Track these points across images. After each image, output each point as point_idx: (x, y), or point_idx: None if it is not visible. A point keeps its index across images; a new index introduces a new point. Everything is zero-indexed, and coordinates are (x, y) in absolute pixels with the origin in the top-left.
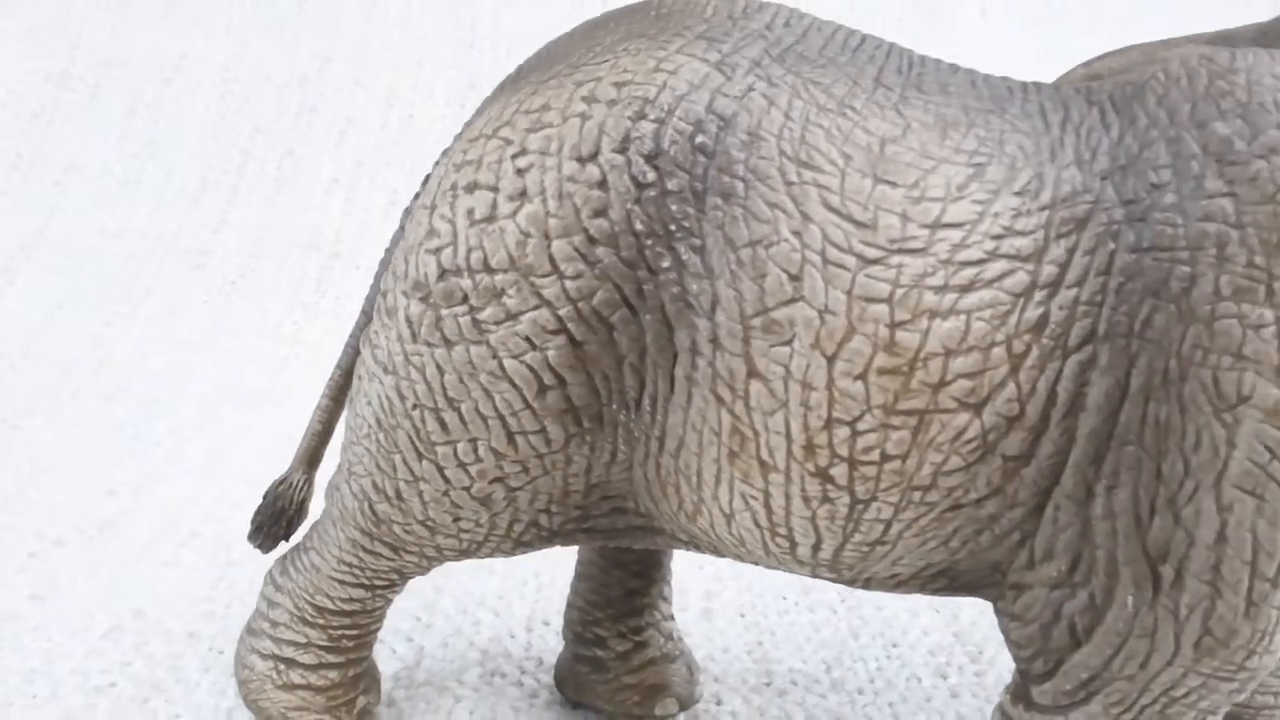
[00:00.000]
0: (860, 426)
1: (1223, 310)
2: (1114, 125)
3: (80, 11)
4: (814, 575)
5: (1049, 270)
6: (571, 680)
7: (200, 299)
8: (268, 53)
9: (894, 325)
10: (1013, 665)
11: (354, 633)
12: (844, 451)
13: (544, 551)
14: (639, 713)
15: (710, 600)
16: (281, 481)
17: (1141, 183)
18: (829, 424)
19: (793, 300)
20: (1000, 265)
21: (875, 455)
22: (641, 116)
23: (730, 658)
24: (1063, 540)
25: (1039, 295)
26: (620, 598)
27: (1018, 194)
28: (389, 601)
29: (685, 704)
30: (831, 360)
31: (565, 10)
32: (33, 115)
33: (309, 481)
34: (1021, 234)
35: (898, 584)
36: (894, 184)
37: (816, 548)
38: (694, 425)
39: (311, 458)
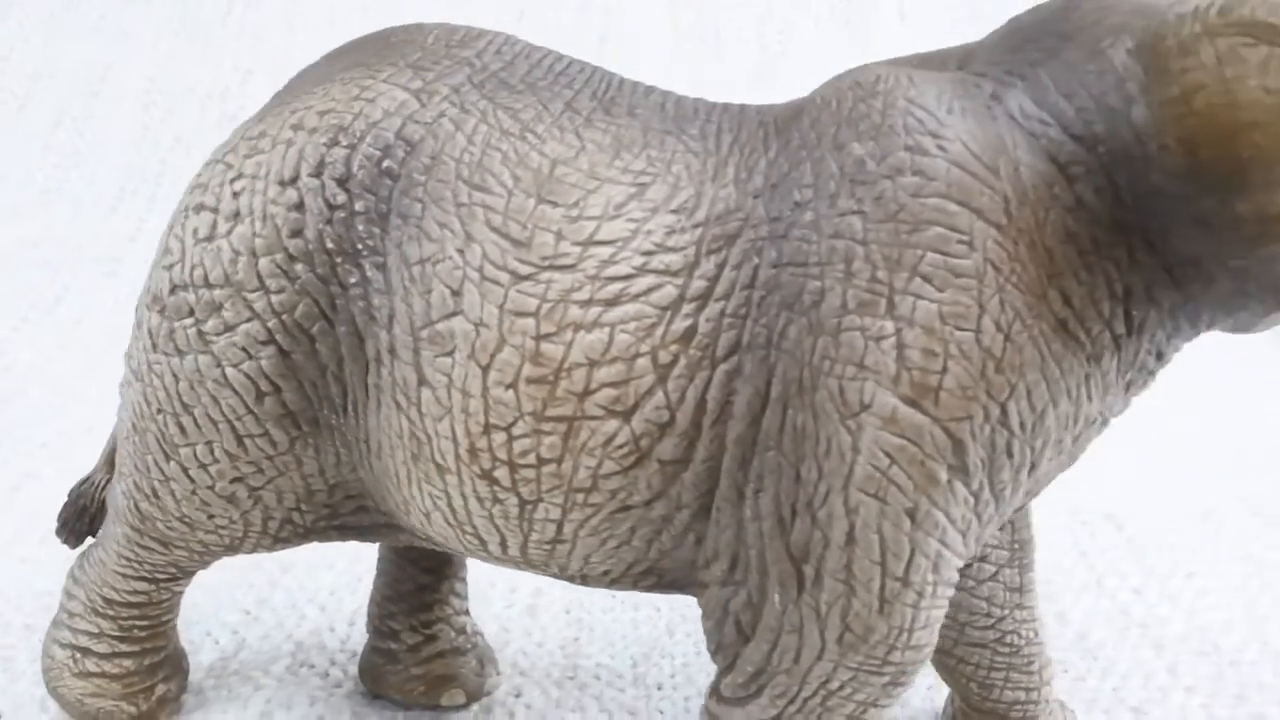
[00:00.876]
0: (515, 432)
1: (848, 323)
2: (772, 146)
3: (13, 25)
4: (525, 570)
5: (698, 284)
6: (369, 671)
7: (109, 306)
8: (192, 65)
9: (540, 338)
10: None
11: (144, 623)
12: (503, 455)
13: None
14: (425, 702)
15: (538, 597)
16: (84, 481)
17: (786, 201)
18: (487, 429)
19: (453, 314)
20: (648, 280)
21: (532, 459)
22: (335, 143)
23: (543, 652)
24: (724, 541)
25: (687, 308)
26: (412, 593)
27: (674, 212)
28: (176, 594)
29: (473, 696)
30: (485, 370)
31: (477, 23)
32: None
33: (110, 481)
34: (673, 250)
35: (612, 581)
36: (555, 204)
37: (503, 545)
38: (384, 430)
39: (113, 458)
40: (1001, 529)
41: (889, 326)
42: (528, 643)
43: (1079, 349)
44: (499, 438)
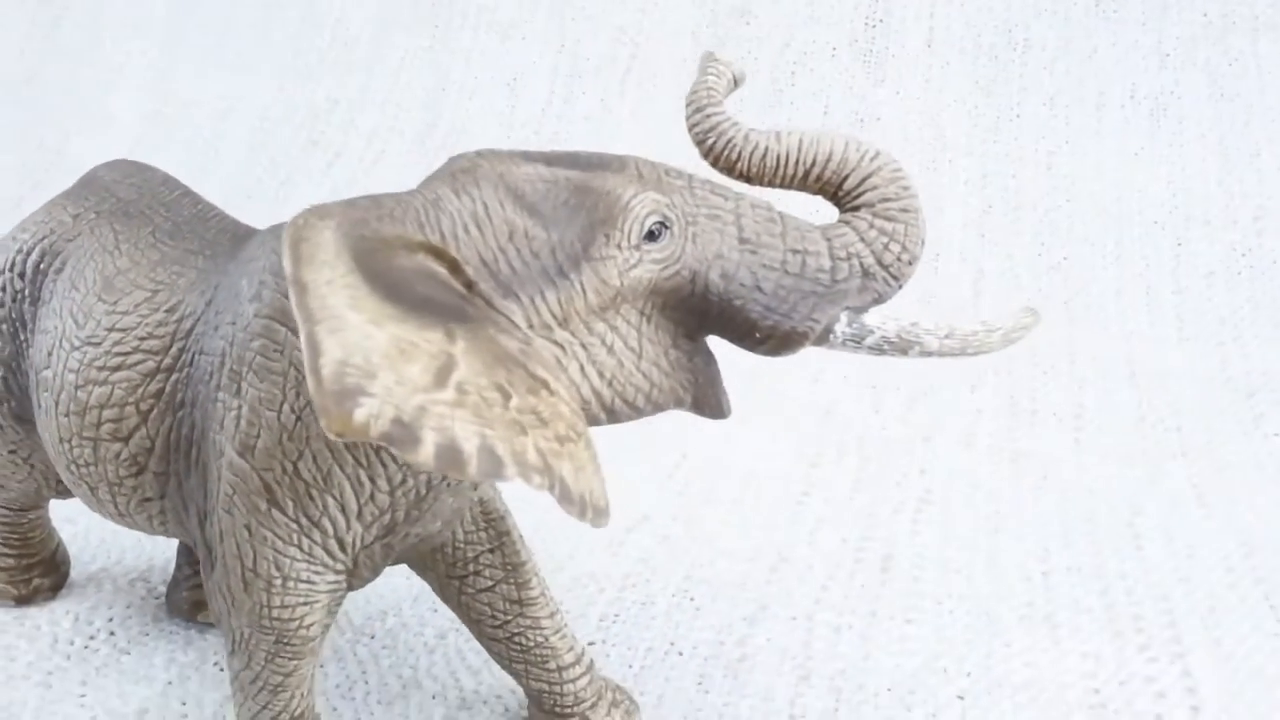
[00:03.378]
0: (72, 444)
1: (219, 397)
2: (227, 266)
3: (191, 68)
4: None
5: (167, 360)
6: (168, 592)
7: None
8: (297, 93)
9: (78, 387)
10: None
11: (15, 536)
12: (71, 457)
13: None
14: (189, 618)
15: None
16: None
17: (214, 309)
18: (61, 440)
19: (47, 367)
20: (139, 356)
21: (83, 461)
22: (20, 250)
23: None
24: (191, 527)
25: (160, 376)
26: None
27: (166, 311)
28: (33, 519)
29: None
30: (56, 404)
31: (525, 59)
32: None
33: None
34: (157, 338)
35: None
36: (104, 301)
37: (103, 510)
38: (40, 432)
39: None
40: (492, 553)
41: (235, 402)
42: None
43: None
44: (66, 446)
